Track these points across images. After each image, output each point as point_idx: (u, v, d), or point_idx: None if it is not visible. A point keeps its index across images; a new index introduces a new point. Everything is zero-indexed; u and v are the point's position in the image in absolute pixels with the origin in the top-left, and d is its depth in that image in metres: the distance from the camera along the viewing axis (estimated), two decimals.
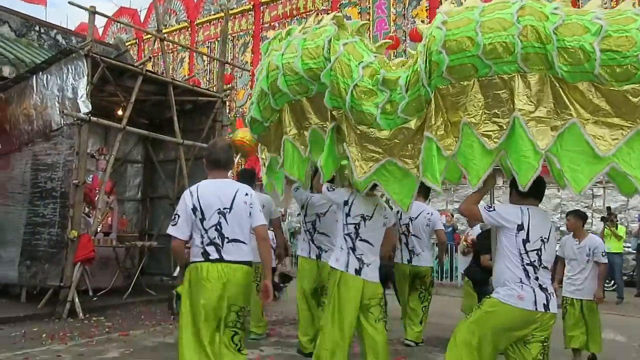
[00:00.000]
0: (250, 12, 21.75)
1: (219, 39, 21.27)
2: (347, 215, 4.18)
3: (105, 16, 8.06)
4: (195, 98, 9.30)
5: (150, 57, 8.77)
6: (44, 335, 5.76)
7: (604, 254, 5.22)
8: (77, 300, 6.98)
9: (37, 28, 10.44)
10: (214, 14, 22.96)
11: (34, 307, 7.11)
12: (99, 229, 8.45)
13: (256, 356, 4.98)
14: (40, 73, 7.86)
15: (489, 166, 3.25)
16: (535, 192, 3.32)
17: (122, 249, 8.91)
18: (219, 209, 3.30)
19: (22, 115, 8.03)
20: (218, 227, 3.27)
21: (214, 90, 9.57)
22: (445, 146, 3.40)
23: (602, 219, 11.50)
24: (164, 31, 11.50)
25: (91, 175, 9.10)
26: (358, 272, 4.05)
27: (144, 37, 24.53)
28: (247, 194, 3.40)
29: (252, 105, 4.77)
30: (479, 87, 3.26)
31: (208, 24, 23.02)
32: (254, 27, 21.54)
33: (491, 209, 3.35)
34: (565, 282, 5.36)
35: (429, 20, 16.64)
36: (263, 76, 4.48)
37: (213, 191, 3.35)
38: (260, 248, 3.44)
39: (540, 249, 3.25)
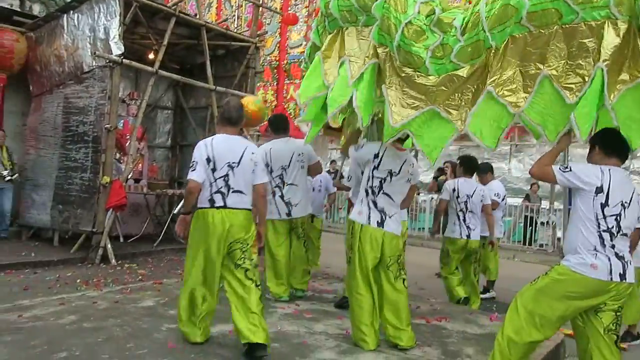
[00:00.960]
0: None
1: None
2: (375, 168, 3.97)
3: None
4: (229, 43, 8.96)
5: None
6: (78, 281, 5.71)
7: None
8: (109, 246, 6.93)
9: None
10: None
11: (67, 252, 7.11)
12: (129, 176, 8.34)
13: (293, 310, 4.86)
14: (72, 12, 7.57)
15: (567, 120, 2.92)
16: (620, 151, 3.01)
17: (153, 196, 8.84)
18: (229, 162, 3.62)
19: (53, 56, 7.79)
20: (226, 178, 3.60)
21: (247, 35, 9.18)
22: (512, 102, 3.07)
23: None
24: None
25: (122, 121, 8.94)
26: (380, 224, 3.90)
27: None
28: (253, 153, 3.74)
29: (312, 32, 4.46)
30: (563, 36, 2.90)
31: None
32: None
33: (567, 170, 3.04)
34: None
35: None
36: None
37: (225, 146, 3.66)
38: (259, 203, 3.80)
39: (619, 214, 2.95)
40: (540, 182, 13.62)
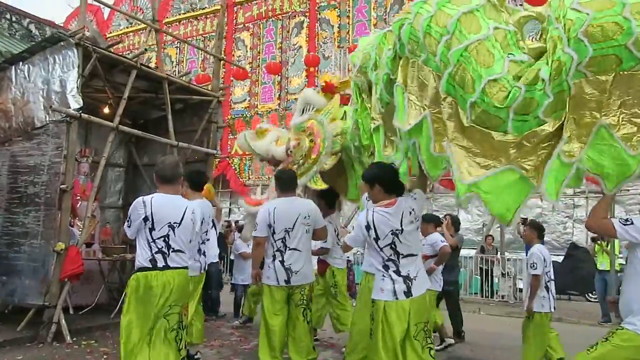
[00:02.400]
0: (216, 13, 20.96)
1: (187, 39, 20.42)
2: (376, 240, 3.63)
3: (107, 5, 7.21)
4: (189, 97, 8.54)
5: (145, 49, 7.98)
6: None
7: (534, 265, 5.06)
8: (63, 321, 6.14)
9: (7, 16, 9.42)
10: (183, 14, 22.08)
11: (12, 330, 6.21)
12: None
13: None
14: (21, 63, 6.96)
15: (631, 172, 2.75)
16: None
17: (106, 262, 8.06)
18: (170, 222, 3.67)
19: None
20: (166, 238, 3.63)
21: (209, 88, 8.83)
22: (567, 152, 2.88)
23: (592, 239, 11.21)
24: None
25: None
26: (408, 293, 3.53)
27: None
28: (193, 212, 3.85)
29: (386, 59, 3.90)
30: (620, 82, 2.75)
31: (177, 23, 22.05)
32: (226, 28, 20.73)
33: (628, 223, 2.87)
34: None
35: None
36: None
37: (165, 205, 3.72)
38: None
39: None
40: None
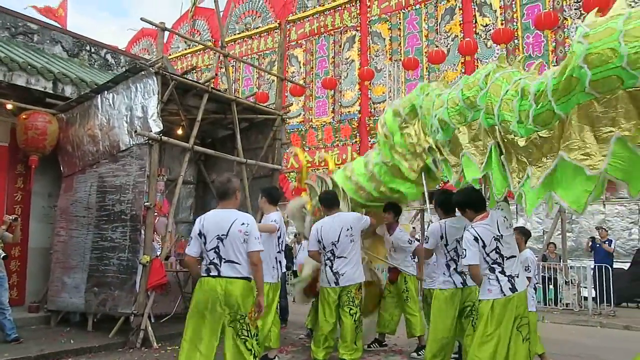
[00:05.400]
0: (276, 31, 21.63)
1: (244, 57, 21.17)
2: (483, 248, 4.19)
3: (182, 36, 7.77)
4: (254, 116, 9.04)
5: (215, 74, 8.53)
6: None
7: (527, 268, 5.40)
8: (150, 328, 6.66)
9: (87, 47, 10.23)
10: (238, 34, 22.89)
11: (105, 336, 6.78)
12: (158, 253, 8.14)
13: None
14: (106, 92, 7.62)
15: None
16: None
17: (182, 273, 8.60)
18: (218, 235, 3.99)
19: (86, 136, 7.76)
20: (216, 249, 3.95)
21: (273, 107, 9.30)
22: (590, 165, 3.16)
23: None
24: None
25: None
26: (513, 289, 4.07)
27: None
28: (243, 224, 4.04)
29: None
30: (629, 98, 3.00)
31: (233, 42, 22.87)
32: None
33: None
34: None
35: (463, 34, 16.40)
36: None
37: (214, 220, 4.08)
38: (253, 271, 4.05)
39: None
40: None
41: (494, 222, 4.16)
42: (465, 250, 4.16)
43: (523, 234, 5.82)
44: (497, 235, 4.10)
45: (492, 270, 4.10)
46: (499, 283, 4.05)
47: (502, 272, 4.08)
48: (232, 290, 3.89)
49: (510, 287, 4.04)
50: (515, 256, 4.18)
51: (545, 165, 3.52)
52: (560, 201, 3.41)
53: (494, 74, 4.00)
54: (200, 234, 4.04)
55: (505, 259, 4.10)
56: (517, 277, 4.11)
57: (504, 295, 4.00)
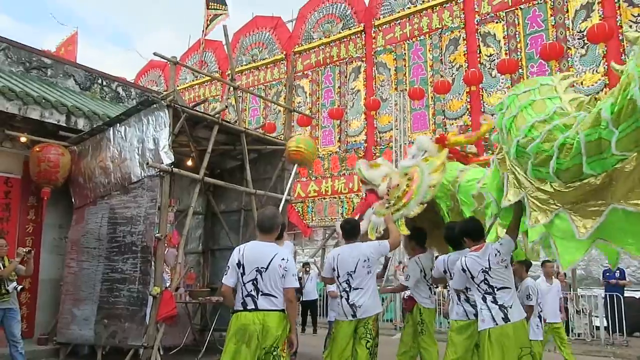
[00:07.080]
0: (282, 62, 21.96)
1: (251, 87, 21.42)
2: (472, 279, 4.35)
3: (192, 69, 7.92)
4: (263, 147, 9.13)
5: (226, 106, 8.66)
6: None
7: (529, 296, 5.49)
8: None
9: (99, 81, 10.43)
10: (245, 65, 23.21)
11: None
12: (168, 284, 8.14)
13: None
14: (118, 125, 7.74)
15: None
16: None
17: (191, 304, 8.58)
18: (257, 267, 3.96)
19: (98, 168, 7.86)
20: (255, 282, 3.92)
21: (281, 138, 9.40)
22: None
23: None
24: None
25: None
26: (506, 318, 4.10)
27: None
28: (283, 259, 4.02)
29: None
30: None
31: (239, 74, 23.15)
32: (285, 76, 21.60)
33: None
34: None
35: (467, 64, 16.58)
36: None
37: (255, 252, 4.05)
38: (287, 308, 4.02)
39: None
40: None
41: (485, 255, 4.26)
42: (453, 274, 4.56)
43: (524, 263, 5.81)
44: (486, 268, 4.20)
45: (484, 299, 4.20)
46: (490, 312, 4.12)
47: (494, 302, 4.15)
48: (269, 322, 3.87)
49: (503, 316, 4.09)
50: (508, 287, 4.23)
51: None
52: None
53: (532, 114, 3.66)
54: (239, 264, 4.00)
55: (496, 289, 4.18)
56: (511, 307, 4.14)
57: (496, 324, 4.08)
